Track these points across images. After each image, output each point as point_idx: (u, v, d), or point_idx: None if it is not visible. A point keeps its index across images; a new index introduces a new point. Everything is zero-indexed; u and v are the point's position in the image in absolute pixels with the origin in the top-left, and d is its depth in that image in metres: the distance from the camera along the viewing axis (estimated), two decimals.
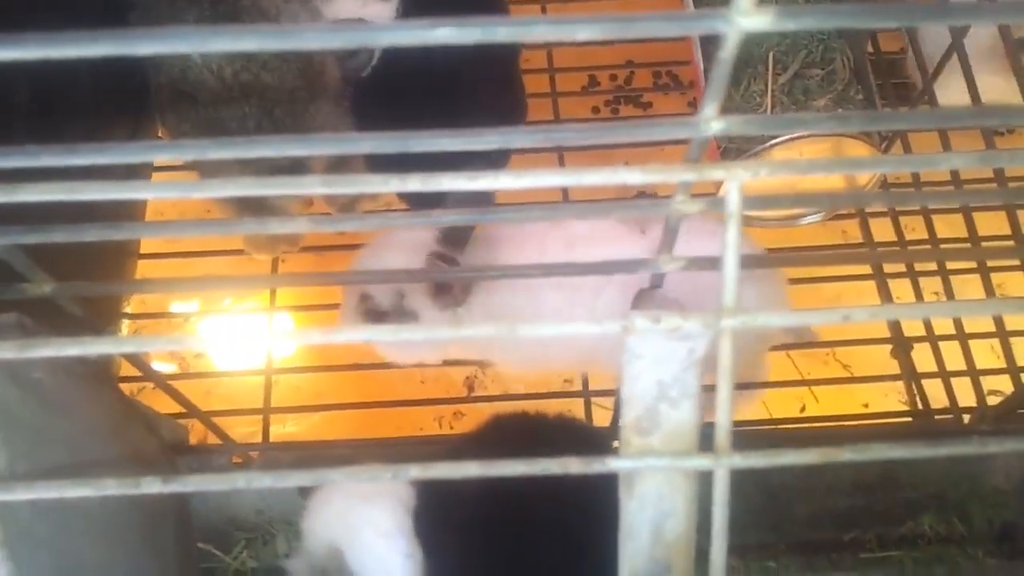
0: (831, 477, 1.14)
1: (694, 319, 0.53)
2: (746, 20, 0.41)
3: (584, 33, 0.42)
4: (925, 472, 1.14)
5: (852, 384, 1.57)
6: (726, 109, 1.43)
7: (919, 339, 1.31)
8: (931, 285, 1.38)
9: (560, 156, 1.50)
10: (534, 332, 0.53)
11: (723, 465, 0.56)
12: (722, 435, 0.56)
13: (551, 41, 1.56)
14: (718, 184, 1.28)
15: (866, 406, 1.63)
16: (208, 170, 1.13)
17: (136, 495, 0.90)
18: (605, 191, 1.53)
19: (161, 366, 1.51)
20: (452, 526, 0.94)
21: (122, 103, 1.26)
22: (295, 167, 1.17)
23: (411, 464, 0.56)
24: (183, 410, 1.04)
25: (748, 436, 1.05)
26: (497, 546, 0.90)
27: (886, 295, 1.38)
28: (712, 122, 0.50)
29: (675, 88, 1.91)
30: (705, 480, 0.61)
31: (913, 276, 1.35)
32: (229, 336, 1.49)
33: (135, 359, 0.85)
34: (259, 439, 1.24)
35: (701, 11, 0.43)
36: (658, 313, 0.53)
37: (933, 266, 1.35)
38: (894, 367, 1.34)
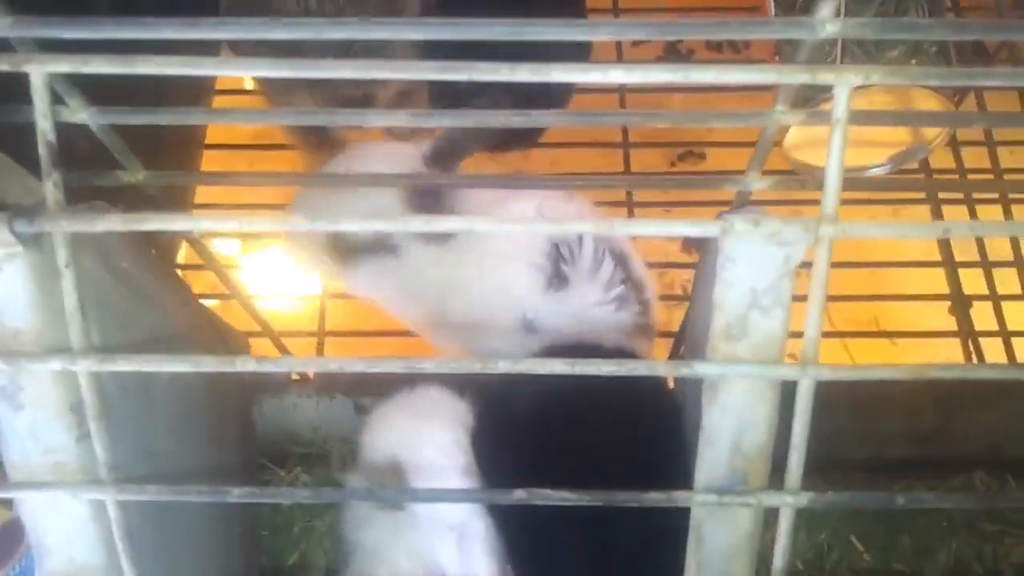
0: (885, 426, 1.14)
1: (794, 225, 0.53)
2: None
3: None
4: (981, 426, 1.14)
5: (902, 344, 1.56)
6: (791, 58, 1.41)
7: (980, 297, 1.30)
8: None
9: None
10: (629, 231, 0.54)
11: (810, 376, 0.56)
12: (810, 346, 0.56)
13: None
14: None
15: None
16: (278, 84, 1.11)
17: (204, 396, 0.92)
18: None
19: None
20: (509, 445, 0.95)
21: None
22: (366, 99, 1.16)
23: (500, 359, 0.57)
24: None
25: None
26: (553, 464, 0.91)
27: (948, 255, 1.36)
28: (827, 24, 0.50)
29: (730, 48, 1.89)
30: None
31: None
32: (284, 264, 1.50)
33: (221, 273, 0.87)
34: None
35: None
36: (758, 216, 0.53)
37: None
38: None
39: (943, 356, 1.56)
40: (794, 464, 0.59)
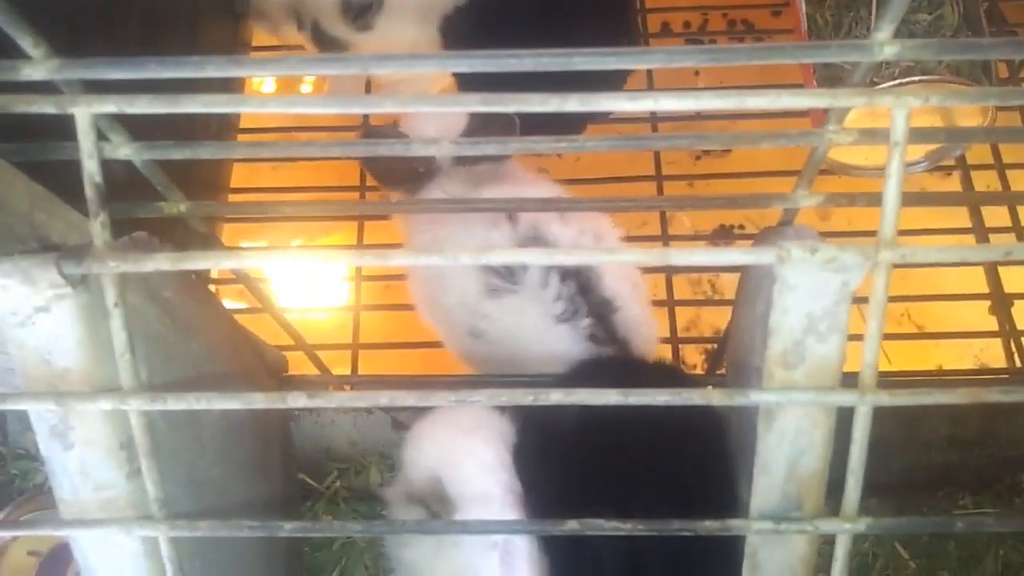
0: (928, 432, 1.12)
1: (852, 251, 0.52)
2: None
3: None
4: None
5: (932, 342, 1.53)
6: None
7: (1022, 296, 1.28)
8: None
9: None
10: (682, 260, 0.53)
11: (867, 402, 0.55)
12: (868, 372, 0.55)
13: None
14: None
15: (940, 367, 1.58)
16: None
17: (248, 421, 0.92)
18: None
19: (233, 304, 1.54)
20: (552, 461, 0.94)
21: None
22: None
23: (552, 389, 0.56)
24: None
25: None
26: (598, 481, 0.90)
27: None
28: (886, 46, 0.48)
29: (749, 34, 1.87)
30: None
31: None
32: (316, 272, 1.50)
33: (255, 289, 0.86)
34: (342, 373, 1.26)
35: None
36: (815, 243, 0.52)
37: None
38: (973, 326, 1.31)
39: (980, 348, 1.54)
40: (851, 490, 0.57)
